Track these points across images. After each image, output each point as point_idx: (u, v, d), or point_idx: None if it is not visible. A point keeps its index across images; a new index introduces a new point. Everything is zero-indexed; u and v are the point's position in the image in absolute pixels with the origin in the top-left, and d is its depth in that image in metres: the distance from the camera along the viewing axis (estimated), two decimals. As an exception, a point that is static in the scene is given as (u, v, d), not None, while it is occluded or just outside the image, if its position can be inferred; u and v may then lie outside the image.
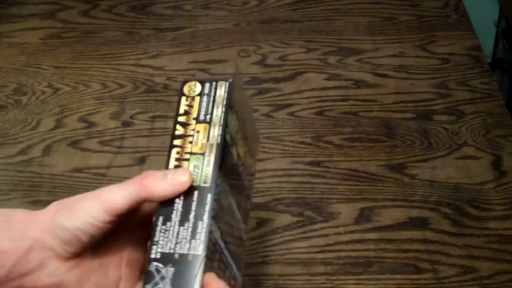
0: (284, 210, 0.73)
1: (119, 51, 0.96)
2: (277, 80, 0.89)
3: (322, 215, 0.72)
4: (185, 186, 0.43)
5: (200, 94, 0.46)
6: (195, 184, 0.43)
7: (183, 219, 0.42)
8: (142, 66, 0.93)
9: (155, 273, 0.41)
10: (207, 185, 0.43)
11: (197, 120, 0.46)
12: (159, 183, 0.43)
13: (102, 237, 0.44)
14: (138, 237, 0.48)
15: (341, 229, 0.71)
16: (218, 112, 0.46)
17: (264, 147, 0.80)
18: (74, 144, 0.83)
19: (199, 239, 0.41)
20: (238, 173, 0.49)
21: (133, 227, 0.47)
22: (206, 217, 0.42)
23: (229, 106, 0.46)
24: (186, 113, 0.46)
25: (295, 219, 0.72)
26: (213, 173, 0.43)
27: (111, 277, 0.46)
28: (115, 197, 0.43)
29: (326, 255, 0.69)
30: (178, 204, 0.43)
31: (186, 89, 0.47)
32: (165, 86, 0.90)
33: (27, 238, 0.43)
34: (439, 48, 0.92)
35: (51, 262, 0.44)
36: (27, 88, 0.91)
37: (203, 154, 0.44)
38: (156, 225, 0.42)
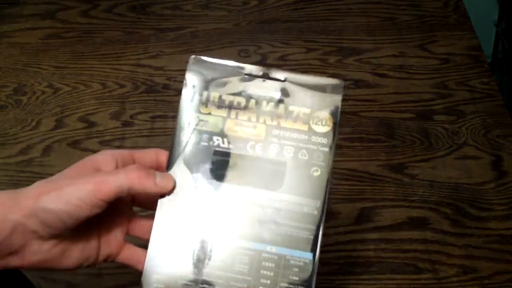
0: (284, 210, 0.73)
1: (119, 51, 0.96)
2: (277, 80, 0.89)
3: (322, 215, 0.72)
4: (167, 191, 0.47)
5: None
6: None
7: None
8: (142, 66, 0.93)
9: None
10: None
11: None
12: (149, 180, 0.46)
13: (85, 220, 0.45)
14: (117, 201, 0.48)
15: (341, 229, 0.71)
16: None
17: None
18: (74, 144, 0.83)
19: None
20: None
21: None
22: None
23: None
24: None
25: (295, 219, 0.72)
26: None
27: (92, 245, 0.48)
28: (107, 183, 0.44)
29: (326, 255, 0.69)
30: None
31: None
32: (165, 86, 0.90)
33: (8, 221, 0.43)
34: (439, 48, 0.92)
35: (33, 243, 0.45)
36: (27, 88, 0.91)
37: None
38: None
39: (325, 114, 0.48)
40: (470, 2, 1.03)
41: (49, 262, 0.46)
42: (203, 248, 0.46)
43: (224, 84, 0.49)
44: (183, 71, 0.91)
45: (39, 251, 0.45)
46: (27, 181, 0.78)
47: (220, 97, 0.49)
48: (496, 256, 0.68)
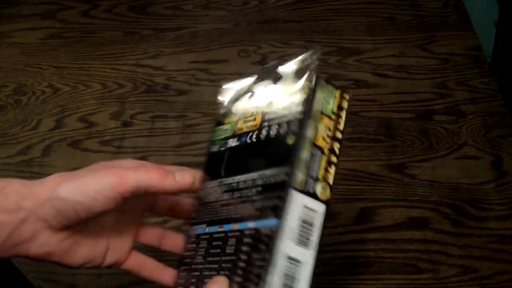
0: (284, 210, 0.73)
1: (119, 51, 0.96)
2: (277, 80, 0.89)
3: (322, 215, 0.72)
4: (188, 188, 0.46)
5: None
6: None
7: None
8: (142, 66, 0.93)
9: None
10: None
11: None
12: (169, 178, 0.45)
13: (98, 214, 0.44)
14: (130, 205, 0.48)
15: (341, 229, 0.71)
16: None
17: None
18: (74, 144, 0.83)
19: None
20: None
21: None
22: None
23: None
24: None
25: (295, 219, 0.72)
26: None
27: (99, 247, 0.48)
28: (128, 177, 0.43)
29: (326, 255, 0.69)
30: None
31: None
32: (165, 86, 0.90)
33: (21, 210, 0.43)
34: (439, 48, 0.92)
35: (43, 233, 0.44)
36: (27, 88, 0.91)
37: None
38: None
39: (301, 82, 0.47)
40: (470, 2, 1.03)
41: (55, 256, 0.45)
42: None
43: (241, 95, 0.51)
44: (183, 71, 0.92)
45: (48, 243, 0.44)
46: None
47: (237, 105, 0.51)
48: (496, 256, 0.68)
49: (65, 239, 0.45)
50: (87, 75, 0.92)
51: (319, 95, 0.46)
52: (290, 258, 0.41)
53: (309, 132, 0.44)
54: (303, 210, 0.42)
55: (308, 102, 0.45)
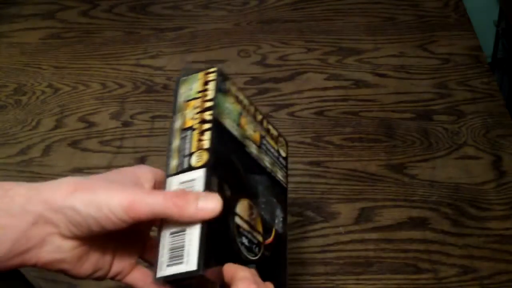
0: (284, 210, 0.73)
1: (119, 51, 0.96)
2: (277, 80, 0.89)
3: (322, 215, 0.72)
4: (211, 215, 0.42)
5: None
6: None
7: None
8: (142, 66, 0.93)
9: None
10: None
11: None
12: (189, 207, 0.42)
13: (110, 231, 0.43)
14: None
15: (341, 229, 0.71)
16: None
17: (264, 147, 0.80)
18: (74, 144, 0.83)
19: None
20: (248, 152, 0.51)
21: None
22: None
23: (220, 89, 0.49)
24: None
25: (295, 219, 0.72)
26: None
27: (107, 257, 0.47)
28: (143, 203, 0.42)
29: (326, 255, 0.69)
30: None
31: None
32: (165, 86, 0.90)
33: (28, 213, 0.41)
34: (439, 48, 0.92)
35: (54, 239, 0.43)
36: (27, 88, 0.91)
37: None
38: None
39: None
40: (470, 2, 1.03)
41: (66, 263, 0.44)
42: None
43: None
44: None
45: (57, 250, 0.43)
46: (27, 181, 0.78)
47: None
48: (496, 256, 0.68)
49: (77, 247, 0.44)
50: (87, 75, 0.92)
51: (182, 90, 0.49)
52: (173, 233, 0.43)
53: (177, 123, 0.48)
54: (180, 186, 0.44)
55: (173, 102, 0.49)
